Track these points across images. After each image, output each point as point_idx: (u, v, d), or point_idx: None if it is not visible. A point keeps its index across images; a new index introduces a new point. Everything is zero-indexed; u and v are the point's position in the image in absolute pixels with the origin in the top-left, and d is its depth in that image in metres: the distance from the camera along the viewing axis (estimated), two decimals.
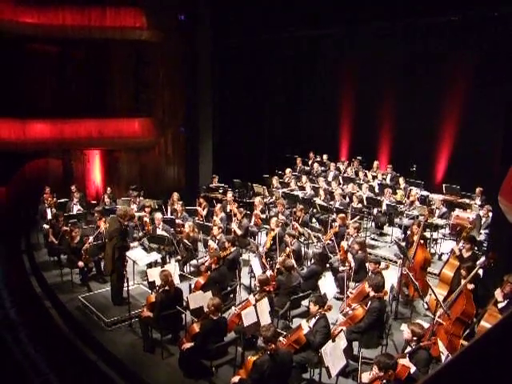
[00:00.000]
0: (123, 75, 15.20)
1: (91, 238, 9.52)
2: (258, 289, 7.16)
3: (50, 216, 11.34)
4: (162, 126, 15.57)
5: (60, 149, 14.85)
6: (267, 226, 10.79)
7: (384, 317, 6.64)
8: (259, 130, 17.78)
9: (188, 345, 6.17)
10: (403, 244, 9.35)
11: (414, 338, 5.37)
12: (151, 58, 15.14)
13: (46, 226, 10.93)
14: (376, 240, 11.71)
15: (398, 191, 12.75)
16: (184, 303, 7.07)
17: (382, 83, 15.33)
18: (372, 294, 6.56)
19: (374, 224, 12.13)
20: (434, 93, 14.04)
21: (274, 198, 13.04)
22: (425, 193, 13.06)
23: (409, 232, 9.78)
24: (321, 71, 17.27)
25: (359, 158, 16.02)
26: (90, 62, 14.91)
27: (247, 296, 7.69)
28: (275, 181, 13.90)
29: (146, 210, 11.28)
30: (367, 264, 8.23)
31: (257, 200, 11.74)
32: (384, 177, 14.30)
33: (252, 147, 17.50)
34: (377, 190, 13.03)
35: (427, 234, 10.22)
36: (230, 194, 12.28)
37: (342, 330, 6.17)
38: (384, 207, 11.65)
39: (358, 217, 10.97)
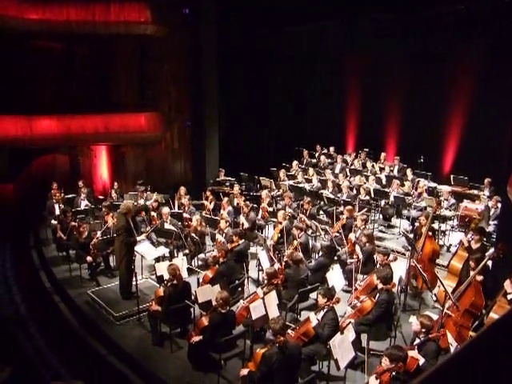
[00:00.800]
0: (128, 70, 15.20)
1: (99, 233, 9.57)
2: (265, 282, 7.18)
3: (57, 212, 11.40)
4: (167, 120, 15.58)
5: (67, 145, 14.91)
6: (274, 219, 10.79)
7: (392, 309, 6.63)
8: (266, 123, 17.74)
9: (197, 338, 6.20)
10: (411, 236, 9.32)
11: (423, 330, 5.36)
12: (156, 53, 15.12)
13: (54, 222, 10.99)
14: (384, 232, 11.68)
15: (405, 183, 12.67)
16: (192, 297, 7.10)
17: (389, 74, 15.21)
18: (380, 286, 6.56)
19: (381, 216, 12.10)
20: (442, 83, 13.91)
21: (281, 190, 13.03)
22: (433, 184, 12.99)
23: (417, 224, 9.75)
24: (327, 63, 17.16)
25: (366, 149, 15.95)
26: (94, 58, 14.92)
27: (255, 289, 7.71)
28: (282, 174, 13.88)
29: (154, 204, 11.32)
30: (375, 256, 8.22)
31: (264, 193, 11.73)
32: (391, 168, 14.22)
33: (259, 140, 17.48)
34: (384, 182, 12.98)
35: (435, 226, 10.17)
36: (236, 188, 12.28)
37: (350, 322, 6.18)
38: (392, 199, 11.61)
39: (366, 209, 10.95)
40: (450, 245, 10.36)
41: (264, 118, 17.75)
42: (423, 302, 8.10)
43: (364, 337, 6.39)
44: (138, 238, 8.26)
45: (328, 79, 17.14)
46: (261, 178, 13.98)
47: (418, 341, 5.42)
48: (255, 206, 11.43)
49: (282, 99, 17.78)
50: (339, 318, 6.41)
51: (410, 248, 8.62)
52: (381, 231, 11.71)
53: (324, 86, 17.34)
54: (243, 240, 8.82)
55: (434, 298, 7.96)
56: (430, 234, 8.47)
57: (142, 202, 11.95)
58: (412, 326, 5.63)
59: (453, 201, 11.04)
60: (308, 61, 17.45)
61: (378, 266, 7.71)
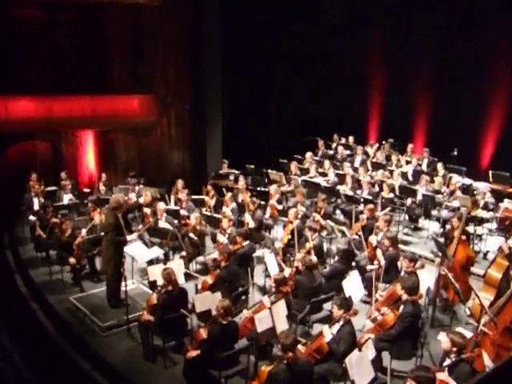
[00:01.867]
0: (119, 46, 15.16)
1: (84, 232, 9.59)
2: (273, 290, 7.17)
3: (36, 206, 11.43)
4: (164, 103, 15.57)
5: (48, 129, 14.89)
6: (284, 219, 10.77)
7: (419, 324, 6.59)
8: (276, 109, 17.69)
9: (194, 353, 6.20)
10: (442, 240, 9.26)
11: (454, 349, 5.32)
12: (151, 26, 15.10)
13: (32, 218, 11.02)
14: (410, 235, 11.64)
15: (435, 179, 12.63)
16: (189, 305, 7.10)
17: (419, 54, 15.14)
18: (405, 297, 6.53)
19: (407, 217, 12.05)
20: (482, 67, 13.80)
21: (292, 186, 13.01)
22: (468, 181, 12.91)
23: (448, 226, 9.69)
24: (347, 42, 17.10)
25: (391, 140, 15.89)
26: (80, 30, 14.84)
27: (261, 298, 7.70)
28: (294, 166, 13.86)
29: (147, 199, 11.33)
30: (399, 262, 8.19)
31: (273, 188, 11.71)
32: (420, 162, 14.17)
33: (268, 128, 17.43)
34: (411, 178, 12.94)
35: (470, 229, 10.11)
36: (241, 182, 12.27)
37: (369, 337, 6.16)
38: (419, 197, 11.56)
39: (389, 208, 10.91)
40: (488, 251, 10.30)
41: (274, 102, 17.69)
42: (455, 317, 8.05)
43: (385, 355, 6.37)
44: (129, 238, 8.26)
45: (348, 59, 17.07)
46: (269, 171, 13.95)
47: (448, 362, 5.39)
48: (263, 202, 11.42)
49: (295, 81, 17.71)
50: (357, 332, 6.39)
51: (439, 254, 8.58)
52: (406, 234, 11.67)
53: (343, 67, 17.27)
54: (248, 242, 8.81)
55: (468, 313, 7.90)
56: (464, 238, 8.41)
57: (133, 196, 11.98)
58: (441, 344, 5.59)
59: (491, 200, 10.97)
60: (325, 38, 17.39)
61: (402, 273, 7.68)
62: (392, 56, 16.18)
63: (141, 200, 11.76)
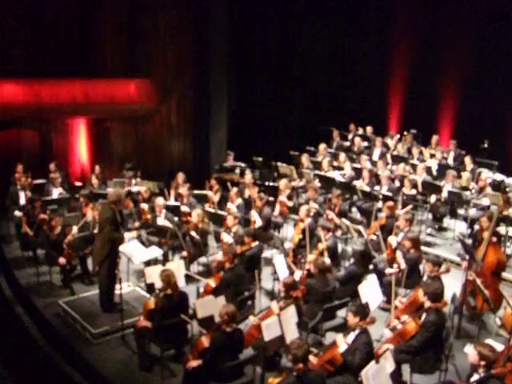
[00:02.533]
0: (114, 24, 15.18)
1: (75, 229, 9.61)
2: (282, 294, 7.16)
3: (23, 201, 11.46)
4: (164, 89, 15.58)
5: (35, 117, 14.93)
6: (295, 216, 10.77)
7: (443, 334, 6.58)
8: (286, 96, 17.64)
9: (195, 363, 6.20)
10: (469, 242, 9.22)
11: (483, 363, 5.30)
12: (149, 2, 15.09)
13: (18, 214, 11.04)
14: (434, 236, 11.61)
15: (463, 174, 12.59)
16: (190, 311, 7.11)
17: (445, 37, 15.06)
18: (428, 304, 6.51)
19: (431, 215, 12.02)
20: None
21: (303, 180, 12.99)
22: (499, 176, 12.86)
23: (477, 227, 9.65)
24: (366, 21, 17.02)
25: (413, 131, 15.83)
26: (70, 6, 14.86)
27: (269, 303, 7.69)
28: (305, 159, 13.83)
29: (145, 194, 11.34)
30: (422, 266, 8.15)
31: (282, 183, 11.70)
32: (445, 155, 14.13)
33: (277, 117, 17.40)
34: (436, 173, 12.90)
35: (501, 230, 10.07)
36: (248, 176, 12.25)
37: (388, 348, 6.15)
38: (445, 194, 11.52)
39: (411, 206, 10.89)
40: None
41: (285, 88, 17.64)
42: (483, 327, 8.02)
43: (406, 368, 6.36)
44: (126, 236, 8.27)
45: (368, 41, 16.99)
46: (279, 164, 13.94)
47: (476, 377, 5.37)
48: (271, 199, 11.40)
49: (309, 66, 17.66)
50: (374, 342, 6.38)
51: (467, 257, 8.54)
52: (430, 235, 11.64)
53: (362, 50, 17.19)
54: (257, 242, 8.82)
55: (499, 323, 7.86)
56: (495, 239, 8.37)
57: (130, 190, 11.99)
58: (468, 357, 5.57)
59: None
60: (341, 16, 17.33)
61: (425, 278, 7.65)
62: (417, 38, 16.09)
63: (135, 189, 11.73)
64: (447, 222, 12.04)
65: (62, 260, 9.22)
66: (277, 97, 17.50)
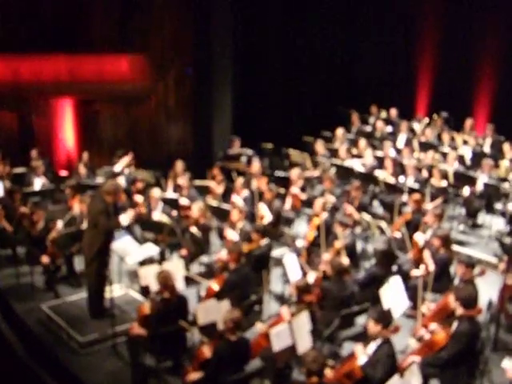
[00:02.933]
0: None
1: (60, 224, 9.64)
2: (294, 299, 7.18)
3: (1, 192, 11.51)
4: (160, 65, 15.58)
5: (14, 96, 14.98)
6: (309, 211, 10.78)
7: (477, 345, 6.58)
8: (299, 74, 17.60)
9: (195, 375, 6.24)
10: (508, 240, 9.19)
11: None
12: None
13: None
14: (467, 234, 11.61)
15: (501, 163, 12.57)
16: (190, 317, 7.13)
17: (482, 9, 14.98)
18: (459, 311, 6.50)
19: (464, 210, 12.01)
20: None
21: (319, 170, 12.98)
22: None
23: None
24: None
25: (444, 114, 15.79)
26: None
27: (279, 309, 7.72)
28: (321, 146, 13.82)
29: (139, 185, 11.36)
30: (453, 268, 8.14)
31: (294, 173, 11.70)
32: (481, 142, 14.09)
33: (288, 98, 17.36)
34: (469, 162, 12.87)
35: None
36: (256, 165, 12.26)
37: (414, 361, 6.15)
38: (480, 186, 11.50)
39: (441, 200, 10.88)
40: None
41: (297, 65, 17.61)
42: None
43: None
44: (122, 219, 8.21)
45: (393, 10, 16.90)
46: (291, 151, 13.95)
47: None
48: (282, 191, 11.40)
49: (326, 39, 17.61)
50: (398, 354, 6.39)
51: (505, 258, 8.53)
52: (462, 232, 11.65)
53: (386, 21, 17.11)
54: (266, 240, 8.84)
55: None
56: None
57: (122, 181, 12.01)
58: (507, 372, 5.57)
59: None
60: None
61: (456, 281, 7.64)
62: (449, 10, 16.01)
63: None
64: (482, 217, 12.01)
65: (45, 259, 9.25)
66: (288, 75, 17.46)
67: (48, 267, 9.34)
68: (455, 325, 6.50)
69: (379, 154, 13.37)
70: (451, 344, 6.39)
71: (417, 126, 15.65)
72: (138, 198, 10.74)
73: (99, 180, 12.18)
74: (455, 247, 9.65)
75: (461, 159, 12.73)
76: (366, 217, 10.18)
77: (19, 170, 12.61)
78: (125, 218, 8.28)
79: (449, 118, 15.76)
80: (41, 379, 7.40)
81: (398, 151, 13.69)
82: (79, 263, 9.51)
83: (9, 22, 14.47)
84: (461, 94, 15.82)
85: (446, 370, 6.38)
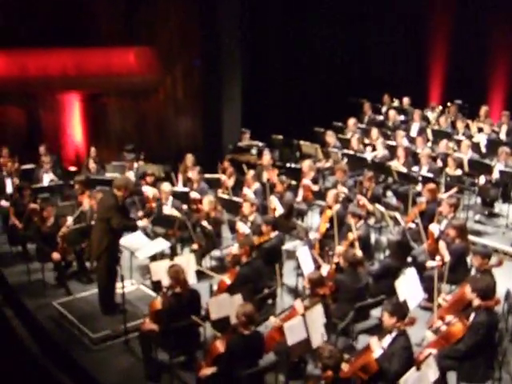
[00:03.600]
0: None
1: (70, 220, 9.66)
2: (307, 292, 7.18)
3: (10, 189, 11.55)
4: (168, 58, 15.57)
5: (21, 92, 15.01)
6: (321, 202, 10.76)
7: (495, 337, 6.56)
8: (310, 63, 17.55)
9: (208, 371, 6.25)
10: None
11: None
12: None
13: (5, 204, 11.15)
14: (483, 223, 11.57)
15: None
16: (203, 311, 7.15)
17: None
18: (477, 302, 6.47)
19: (479, 200, 11.95)
20: None
21: (330, 161, 12.97)
22: None
23: None
24: None
25: (458, 101, 15.71)
26: None
27: (292, 302, 7.72)
28: (332, 137, 13.78)
29: (148, 179, 11.37)
30: (469, 258, 8.11)
31: (306, 165, 11.68)
32: (496, 129, 14.01)
33: (298, 87, 17.31)
34: (485, 150, 12.81)
35: None
36: (267, 157, 12.24)
37: (430, 353, 6.14)
38: (496, 175, 11.44)
39: (456, 189, 10.85)
40: None
41: (308, 55, 17.55)
42: None
43: (452, 376, 6.35)
44: (140, 223, 8.32)
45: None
46: (302, 142, 13.92)
47: None
48: (293, 182, 11.39)
49: (335, 27, 17.53)
50: (414, 347, 6.37)
51: None
52: (479, 222, 11.61)
53: (396, 11, 17.02)
54: (277, 232, 8.84)
55: None
56: None
57: (131, 175, 12.03)
58: None
59: None
60: None
61: (473, 272, 7.61)
62: None
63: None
64: (499, 206, 11.98)
65: (55, 255, 9.27)
66: (298, 65, 17.41)
67: (59, 263, 9.37)
68: (472, 316, 6.47)
69: (392, 143, 13.32)
70: (469, 336, 6.36)
71: (430, 115, 15.60)
72: (148, 193, 10.75)
73: (109, 175, 12.18)
74: (471, 237, 9.61)
75: (476, 147, 12.66)
76: (380, 207, 10.15)
77: (28, 166, 12.63)
78: (143, 222, 8.42)
79: (463, 106, 15.70)
80: (53, 376, 7.43)
81: (412, 140, 13.64)
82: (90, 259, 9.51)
83: (14, 16, 14.47)
84: (475, 81, 15.74)
85: (463, 362, 6.36)
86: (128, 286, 8.68)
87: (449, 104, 15.75)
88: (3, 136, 14.55)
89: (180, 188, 11.52)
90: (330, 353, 5.33)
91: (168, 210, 10.18)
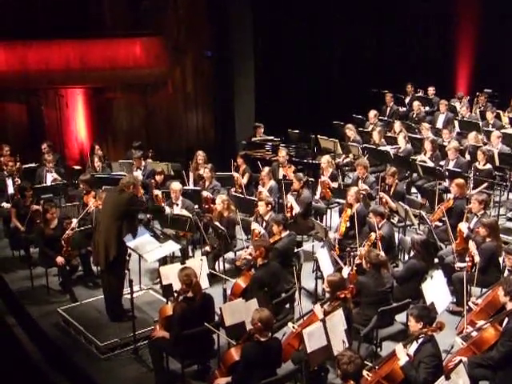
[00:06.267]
0: None
1: (75, 222, 9.69)
2: (327, 295, 7.17)
3: (11, 190, 11.61)
4: (177, 48, 15.57)
5: (22, 87, 15.08)
6: (341, 201, 10.74)
7: None
8: (327, 54, 17.51)
9: (223, 380, 6.26)
10: None
11: None
12: None
13: (6, 205, 11.21)
14: None
15: None
16: (216, 317, 7.16)
17: None
18: (510, 306, 6.45)
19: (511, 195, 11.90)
20: None
21: (350, 156, 12.94)
22: None
23: None
24: None
25: (488, 90, 15.63)
26: None
27: (311, 306, 7.71)
28: (352, 130, 13.75)
29: (158, 177, 11.40)
30: (501, 258, 8.06)
31: (324, 160, 11.66)
32: None
33: (315, 79, 17.29)
34: None
35: None
36: (283, 153, 12.23)
37: (461, 361, 6.10)
38: None
39: (486, 184, 10.80)
40: None
41: (325, 44, 17.53)
42: None
43: None
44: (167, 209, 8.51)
45: None
46: (320, 137, 13.90)
47: None
48: (311, 179, 11.37)
49: (352, 14, 17.49)
50: (443, 354, 6.35)
51: None
52: (511, 220, 11.53)
53: None
54: (288, 232, 8.83)
55: None
56: None
57: (139, 174, 12.06)
58: None
59: None
60: None
61: (506, 273, 7.56)
62: None
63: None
64: None
65: (59, 259, 9.29)
66: (315, 55, 17.38)
67: (63, 268, 9.39)
68: (506, 321, 6.44)
69: (417, 136, 13.27)
70: (502, 342, 6.32)
71: (457, 105, 15.53)
72: (157, 192, 10.72)
73: (117, 173, 12.18)
74: (503, 236, 9.55)
75: (507, 139, 12.59)
76: (404, 205, 10.12)
77: (30, 165, 12.69)
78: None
79: (493, 95, 15.62)
80: None
81: (437, 133, 13.58)
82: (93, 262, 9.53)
83: (13, 7, 14.52)
84: (506, 68, 15.64)
85: (497, 371, 6.32)
86: (137, 292, 8.71)
87: (478, 93, 15.66)
88: (4, 134, 14.64)
89: (191, 187, 11.53)
90: (350, 358, 5.30)
91: (178, 210, 10.18)
